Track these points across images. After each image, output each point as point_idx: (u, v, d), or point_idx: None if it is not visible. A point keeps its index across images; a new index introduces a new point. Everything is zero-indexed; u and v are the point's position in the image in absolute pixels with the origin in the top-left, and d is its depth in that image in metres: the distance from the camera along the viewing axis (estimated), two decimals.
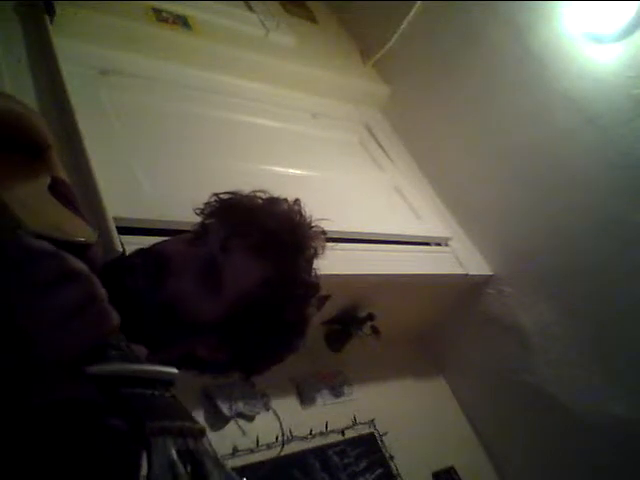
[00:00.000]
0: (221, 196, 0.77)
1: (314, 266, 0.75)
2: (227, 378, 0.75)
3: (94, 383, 0.40)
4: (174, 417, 0.38)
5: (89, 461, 0.54)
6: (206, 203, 0.77)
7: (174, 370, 0.44)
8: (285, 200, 0.76)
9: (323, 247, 0.75)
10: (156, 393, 0.41)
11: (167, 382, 0.43)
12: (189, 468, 0.35)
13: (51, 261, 0.44)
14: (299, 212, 0.75)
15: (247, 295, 0.68)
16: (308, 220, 0.75)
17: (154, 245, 0.73)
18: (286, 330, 0.73)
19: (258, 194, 0.77)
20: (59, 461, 0.52)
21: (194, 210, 0.77)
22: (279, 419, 1.71)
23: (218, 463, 0.36)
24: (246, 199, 0.76)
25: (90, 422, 0.53)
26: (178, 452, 0.35)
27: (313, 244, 0.74)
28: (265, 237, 0.70)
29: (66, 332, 0.43)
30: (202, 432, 0.38)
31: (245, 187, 0.80)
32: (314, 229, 0.75)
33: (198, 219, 0.79)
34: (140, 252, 0.72)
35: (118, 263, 0.72)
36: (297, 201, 0.76)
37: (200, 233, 0.72)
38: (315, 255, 0.74)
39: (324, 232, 0.76)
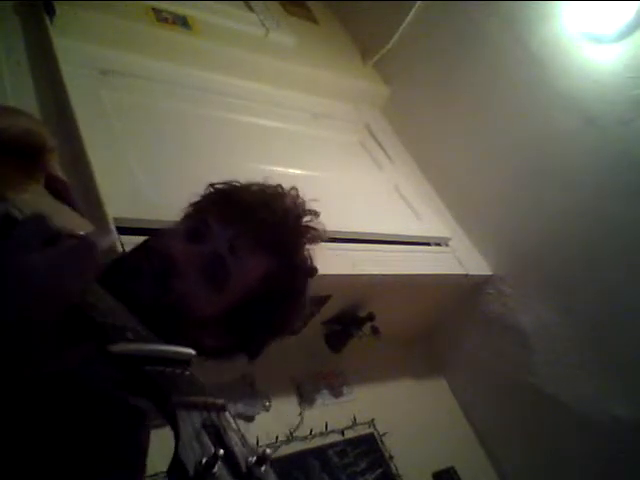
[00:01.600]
0: (218, 187, 0.77)
1: (311, 251, 0.77)
2: (231, 361, 0.75)
3: (117, 362, 0.41)
4: (197, 392, 0.40)
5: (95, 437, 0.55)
6: (203, 195, 0.78)
7: (191, 350, 0.45)
8: (284, 191, 0.77)
9: (319, 233, 0.76)
10: (176, 371, 0.42)
11: (185, 361, 0.44)
12: (215, 439, 0.36)
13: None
14: (299, 203, 0.76)
15: (252, 288, 0.70)
16: (307, 209, 0.76)
17: (152, 242, 0.72)
18: (287, 312, 0.75)
19: (254, 185, 0.77)
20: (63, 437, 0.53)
21: (189, 202, 0.77)
22: (279, 419, 1.71)
23: (241, 436, 0.38)
24: (245, 192, 0.76)
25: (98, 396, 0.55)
26: (203, 425, 0.37)
27: (312, 232, 0.75)
28: (270, 233, 0.71)
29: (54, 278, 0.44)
30: (224, 407, 0.40)
31: None
32: (312, 216, 0.76)
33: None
34: (141, 251, 0.71)
35: (120, 266, 0.71)
36: (295, 189, 0.77)
37: (201, 229, 0.71)
38: (312, 241, 0.76)
39: (318, 214, 0.77)
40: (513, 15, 1.96)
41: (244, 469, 0.35)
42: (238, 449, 0.36)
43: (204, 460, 0.33)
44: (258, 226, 0.71)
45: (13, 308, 0.42)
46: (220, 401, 0.40)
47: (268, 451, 0.36)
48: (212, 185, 0.78)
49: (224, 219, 0.72)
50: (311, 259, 0.76)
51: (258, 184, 0.77)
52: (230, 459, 0.35)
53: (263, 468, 0.35)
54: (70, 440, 0.57)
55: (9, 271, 0.43)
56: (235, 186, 0.77)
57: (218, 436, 0.37)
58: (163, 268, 0.67)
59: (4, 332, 0.41)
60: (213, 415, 0.38)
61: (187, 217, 0.77)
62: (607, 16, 1.71)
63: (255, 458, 0.36)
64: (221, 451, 0.34)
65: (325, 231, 0.77)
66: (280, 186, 0.77)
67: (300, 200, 0.77)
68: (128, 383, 0.41)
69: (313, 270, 0.76)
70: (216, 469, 0.33)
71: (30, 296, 0.43)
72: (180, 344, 0.67)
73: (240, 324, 0.71)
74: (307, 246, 0.75)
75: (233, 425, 0.39)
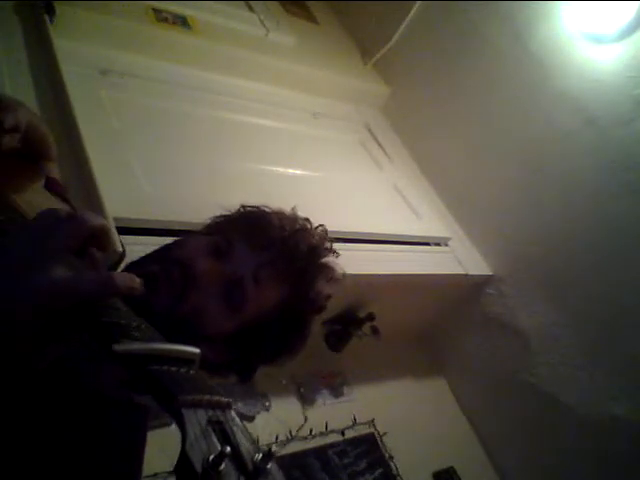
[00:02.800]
0: (248, 209, 0.79)
1: (323, 287, 0.78)
2: (224, 379, 0.76)
3: (121, 362, 0.41)
4: (201, 391, 0.40)
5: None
6: (232, 213, 0.79)
7: (196, 349, 0.45)
8: (310, 224, 0.79)
9: (338, 273, 0.79)
10: (181, 370, 0.42)
11: (189, 361, 0.44)
12: (221, 437, 0.36)
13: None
14: (324, 240, 0.78)
15: (264, 314, 0.72)
16: (329, 247, 0.78)
17: (173, 252, 0.72)
18: (290, 341, 0.77)
19: (285, 215, 0.79)
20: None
21: (216, 216, 0.79)
22: (279, 419, 1.71)
23: (246, 433, 0.38)
24: (275, 222, 0.77)
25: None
26: (209, 422, 0.37)
27: (332, 273, 0.78)
28: (294, 268, 0.73)
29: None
30: (229, 404, 0.40)
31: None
32: (333, 256, 0.78)
33: (196, 218, 0.80)
34: (161, 259, 0.71)
35: (135, 271, 0.71)
36: (322, 227, 0.79)
37: (225, 248, 0.72)
38: (332, 281, 0.78)
39: (339, 254, 0.80)
40: (513, 15, 1.96)
41: (250, 466, 0.35)
42: (244, 446, 0.36)
43: (211, 457, 0.33)
44: (284, 259, 0.72)
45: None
46: (225, 399, 0.40)
47: (274, 448, 0.36)
48: (243, 206, 0.79)
49: (251, 244, 0.72)
50: (324, 296, 0.78)
51: (288, 215, 0.79)
52: (236, 456, 0.35)
53: (269, 465, 0.35)
54: (68, 440, 0.57)
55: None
56: (265, 212, 0.79)
57: (224, 434, 0.37)
58: (183, 279, 0.67)
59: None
60: (219, 413, 0.39)
61: (210, 231, 0.78)
62: (607, 16, 1.71)
63: (261, 455, 0.36)
64: (228, 448, 0.34)
65: (344, 273, 0.79)
66: (309, 220, 0.79)
67: (326, 238, 0.79)
68: (133, 382, 0.42)
69: (323, 307, 0.79)
70: (223, 466, 0.33)
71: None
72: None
73: (241, 345, 0.72)
74: (322, 282, 0.77)
75: (239, 423, 0.39)
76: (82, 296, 0.43)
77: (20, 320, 0.41)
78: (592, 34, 1.76)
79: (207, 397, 0.39)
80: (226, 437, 0.37)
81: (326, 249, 0.78)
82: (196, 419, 0.37)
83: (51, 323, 0.42)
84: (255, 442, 0.38)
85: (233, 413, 0.40)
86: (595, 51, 1.77)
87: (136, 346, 0.42)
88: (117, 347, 0.41)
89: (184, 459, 0.34)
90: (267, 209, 0.79)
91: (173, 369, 0.42)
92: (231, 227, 0.77)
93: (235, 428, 0.38)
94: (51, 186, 0.70)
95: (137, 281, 0.47)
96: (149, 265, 0.70)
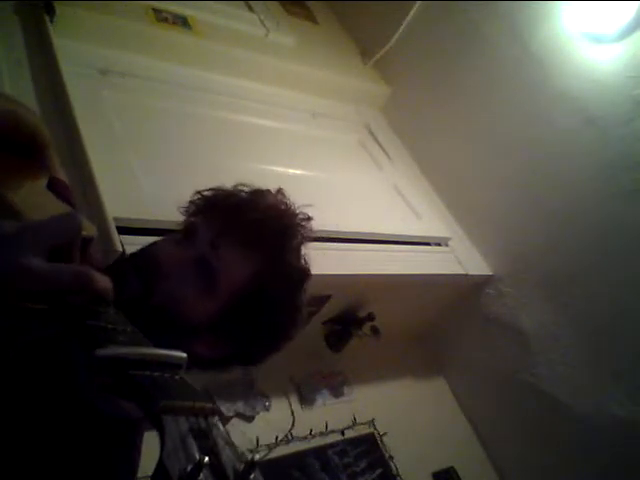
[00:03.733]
0: (204, 193, 0.77)
1: (303, 252, 0.75)
2: (229, 373, 0.75)
3: (104, 366, 0.41)
4: (184, 397, 0.39)
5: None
6: (190, 201, 0.77)
7: (183, 354, 0.44)
8: (268, 191, 0.76)
9: (310, 233, 0.75)
10: (165, 375, 0.41)
11: (175, 365, 0.44)
12: (201, 446, 0.35)
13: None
14: (283, 201, 0.75)
15: (240, 291, 0.68)
16: (293, 208, 0.75)
17: (143, 248, 0.72)
18: (281, 319, 0.73)
19: (241, 188, 0.76)
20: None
21: (178, 209, 0.77)
22: (279, 419, 1.71)
23: (229, 441, 0.37)
24: (230, 195, 0.75)
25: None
26: (190, 430, 0.36)
27: (300, 231, 0.73)
28: (253, 231, 0.70)
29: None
30: (213, 411, 0.39)
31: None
32: (299, 216, 0.75)
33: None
34: (130, 257, 0.72)
35: (111, 270, 0.71)
36: (280, 190, 0.76)
37: (188, 233, 0.71)
38: (303, 241, 0.74)
39: (309, 218, 0.75)
40: (513, 15, 1.96)
41: (232, 477, 0.34)
42: (225, 456, 0.35)
43: (189, 468, 0.32)
44: (240, 223, 0.70)
45: None
46: (209, 405, 0.39)
47: (256, 457, 0.35)
48: (199, 192, 0.77)
49: (208, 221, 0.71)
50: (305, 260, 0.74)
51: (243, 186, 0.76)
52: (216, 467, 0.34)
53: (252, 476, 0.34)
54: (59, 454, 0.56)
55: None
56: (220, 190, 0.77)
57: (205, 442, 0.36)
58: (148, 270, 0.67)
59: None
60: (201, 420, 0.38)
61: (179, 224, 0.77)
62: (607, 16, 1.70)
63: (243, 465, 0.35)
64: (206, 459, 0.33)
65: (313, 230, 0.75)
66: (267, 189, 0.76)
67: (286, 199, 0.75)
68: (116, 387, 0.41)
69: (305, 271, 0.74)
70: (201, 477, 0.32)
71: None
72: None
73: (231, 329, 0.70)
74: (297, 247, 0.73)
75: (222, 431, 0.38)
76: (55, 284, 0.45)
77: None
78: (592, 34, 1.76)
79: (189, 403, 0.38)
80: (207, 446, 0.35)
81: (287, 208, 0.74)
82: (176, 427, 0.36)
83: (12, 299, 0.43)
84: (238, 451, 0.37)
85: (216, 420, 0.39)
86: (595, 51, 1.77)
87: (118, 350, 0.41)
88: (99, 352, 0.40)
89: (161, 469, 0.33)
90: (222, 188, 0.77)
91: (156, 374, 0.41)
92: (191, 214, 0.76)
93: (217, 437, 0.37)
94: (53, 186, 0.70)
95: (111, 287, 0.47)
96: (121, 264, 0.70)
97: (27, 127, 0.70)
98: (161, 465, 0.33)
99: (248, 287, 0.69)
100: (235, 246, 0.69)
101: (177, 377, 0.42)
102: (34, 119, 0.73)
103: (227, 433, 0.38)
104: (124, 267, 0.68)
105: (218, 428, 0.38)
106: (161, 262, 0.67)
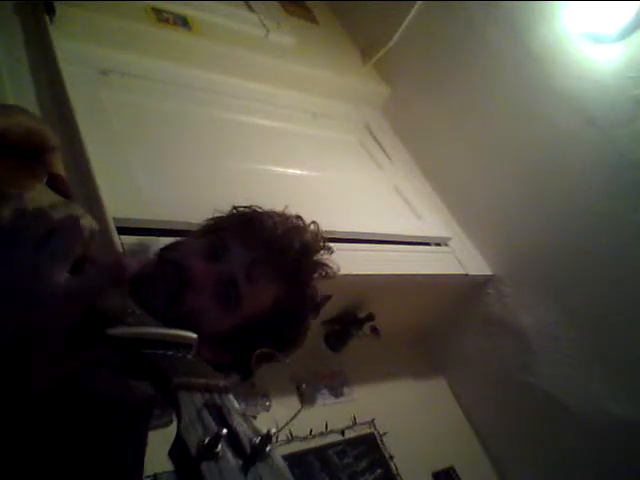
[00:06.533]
0: (241, 210, 0.80)
1: (318, 285, 0.79)
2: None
3: (115, 346, 0.41)
4: (198, 374, 0.39)
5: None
6: (226, 215, 0.80)
7: (193, 334, 0.44)
8: (303, 225, 0.79)
9: (332, 270, 0.79)
10: (178, 354, 0.42)
11: (186, 345, 0.44)
12: (217, 419, 0.36)
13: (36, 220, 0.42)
14: (316, 239, 0.78)
15: (259, 312, 0.72)
16: (322, 244, 0.79)
17: (168, 253, 0.73)
18: (287, 339, 0.77)
19: (277, 214, 0.79)
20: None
21: (210, 218, 0.80)
22: (279, 419, 1.71)
23: (244, 417, 0.37)
24: (267, 221, 0.77)
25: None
26: (205, 405, 0.36)
27: (326, 269, 0.78)
28: (287, 265, 0.73)
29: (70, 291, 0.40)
30: (227, 388, 0.39)
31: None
32: (326, 254, 0.79)
33: (196, 218, 0.80)
34: (161, 260, 0.72)
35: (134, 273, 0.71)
36: (315, 225, 0.80)
37: (220, 249, 0.73)
38: (324, 277, 0.78)
39: (332, 250, 0.80)
40: (513, 15, 1.96)
41: (248, 449, 0.34)
42: (241, 429, 0.36)
43: (207, 440, 0.33)
44: (277, 256, 0.73)
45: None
46: (223, 383, 0.39)
47: (273, 430, 0.35)
48: (235, 207, 0.80)
49: (244, 244, 0.73)
50: (317, 292, 0.79)
51: (280, 214, 0.79)
52: (233, 439, 0.34)
53: (268, 448, 0.35)
54: (69, 442, 0.56)
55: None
56: (258, 212, 0.79)
57: (221, 417, 0.36)
58: (178, 280, 0.68)
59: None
60: (215, 396, 0.38)
61: (205, 233, 0.78)
62: (607, 16, 1.70)
63: (259, 438, 0.35)
64: (224, 431, 0.33)
65: (338, 269, 0.79)
66: (301, 218, 0.80)
67: (319, 235, 0.79)
68: (128, 367, 0.41)
69: (320, 304, 0.79)
70: (219, 449, 0.32)
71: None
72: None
73: (239, 344, 0.72)
74: (316, 280, 0.78)
75: (236, 406, 0.38)
76: (99, 289, 0.42)
77: (37, 329, 0.38)
78: (592, 34, 1.76)
79: (203, 380, 0.38)
80: (223, 420, 0.36)
81: (319, 246, 0.78)
82: (192, 402, 0.36)
83: (68, 333, 0.40)
84: (253, 425, 0.37)
85: (231, 397, 0.39)
86: (595, 51, 1.77)
87: (131, 330, 0.41)
88: (110, 331, 0.40)
89: (179, 442, 0.33)
90: (259, 209, 0.80)
91: (169, 353, 0.41)
92: (225, 228, 0.77)
93: (233, 411, 0.37)
94: (52, 182, 0.70)
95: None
96: (146, 267, 0.70)
97: (36, 134, 0.70)
98: (179, 438, 0.33)
99: (266, 309, 0.72)
100: (266, 278, 0.72)
101: (188, 356, 0.42)
102: (42, 125, 0.73)
103: (242, 409, 0.38)
104: (153, 272, 0.69)
105: (233, 404, 0.38)
106: (192, 275, 0.69)
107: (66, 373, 0.43)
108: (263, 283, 0.72)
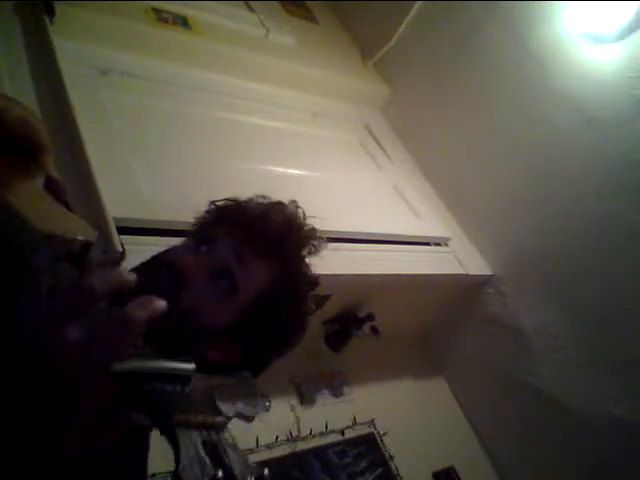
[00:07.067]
0: (221, 203, 0.80)
1: (311, 263, 0.79)
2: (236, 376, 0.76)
3: (116, 380, 0.41)
4: (196, 411, 0.40)
5: None
6: (206, 211, 0.80)
7: (191, 365, 0.45)
8: (283, 204, 0.80)
9: (319, 244, 0.79)
10: (177, 388, 0.42)
11: (184, 377, 0.44)
12: (214, 459, 0.36)
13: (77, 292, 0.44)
14: (297, 214, 0.79)
15: (257, 296, 0.72)
16: (305, 220, 0.79)
17: (160, 257, 0.74)
18: (290, 325, 0.77)
19: (256, 200, 0.80)
20: None
21: (195, 218, 0.80)
22: (279, 419, 1.71)
23: (240, 455, 0.38)
24: (248, 207, 0.79)
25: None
26: (203, 444, 0.37)
27: (311, 242, 0.78)
28: (272, 242, 0.74)
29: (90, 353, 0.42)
30: (224, 425, 0.40)
31: (245, 187, 0.82)
32: (311, 228, 0.79)
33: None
34: (148, 267, 0.73)
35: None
36: (294, 202, 0.80)
37: (207, 241, 0.74)
38: (313, 252, 0.78)
39: (315, 229, 0.80)
40: (513, 15, 1.96)
41: None
42: (238, 469, 0.36)
43: None
44: (261, 235, 0.74)
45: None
46: (220, 419, 0.40)
47: (266, 472, 0.36)
48: (213, 202, 0.81)
49: (228, 231, 0.74)
50: (312, 270, 0.79)
51: (258, 198, 0.80)
52: (230, 479, 0.35)
53: None
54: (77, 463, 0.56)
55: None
56: (237, 201, 0.80)
57: (217, 456, 0.37)
58: (173, 279, 0.69)
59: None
60: (213, 434, 0.39)
61: (190, 233, 0.80)
62: (607, 16, 1.71)
63: (254, 478, 0.36)
64: (220, 472, 0.34)
65: (325, 241, 0.79)
66: (280, 201, 0.81)
67: (300, 211, 0.79)
68: (128, 400, 0.41)
69: (315, 280, 0.79)
70: None
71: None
72: (181, 358, 0.67)
73: (246, 334, 0.72)
74: (308, 257, 0.78)
75: (232, 444, 0.39)
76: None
77: (87, 393, 0.41)
78: (592, 34, 1.76)
79: (202, 418, 0.39)
80: (219, 459, 0.37)
81: (302, 220, 0.79)
82: (190, 441, 0.37)
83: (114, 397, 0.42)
84: (249, 464, 0.38)
85: (227, 434, 0.40)
86: (595, 51, 1.77)
87: (132, 365, 0.42)
88: (116, 367, 0.41)
89: None
90: (237, 199, 0.81)
91: (168, 388, 0.42)
92: (207, 222, 0.79)
93: (229, 450, 0.38)
94: (49, 185, 0.70)
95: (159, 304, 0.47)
96: (140, 275, 0.70)
97: (31, 130, 0.70)
98: (177, 478, 0.34)
99: (264, 292, 0.73)
100: (256, 257, 0.73)
101: (187, 389, 0.43)
102: (37, 122, 0.73)
103: (237, 445, 0.39)
104: (147, 277, 0.69)
105: (229, 442, 0.39)
106: (185, 272, 0.70)
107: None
108: (255, 264, 0.72)
